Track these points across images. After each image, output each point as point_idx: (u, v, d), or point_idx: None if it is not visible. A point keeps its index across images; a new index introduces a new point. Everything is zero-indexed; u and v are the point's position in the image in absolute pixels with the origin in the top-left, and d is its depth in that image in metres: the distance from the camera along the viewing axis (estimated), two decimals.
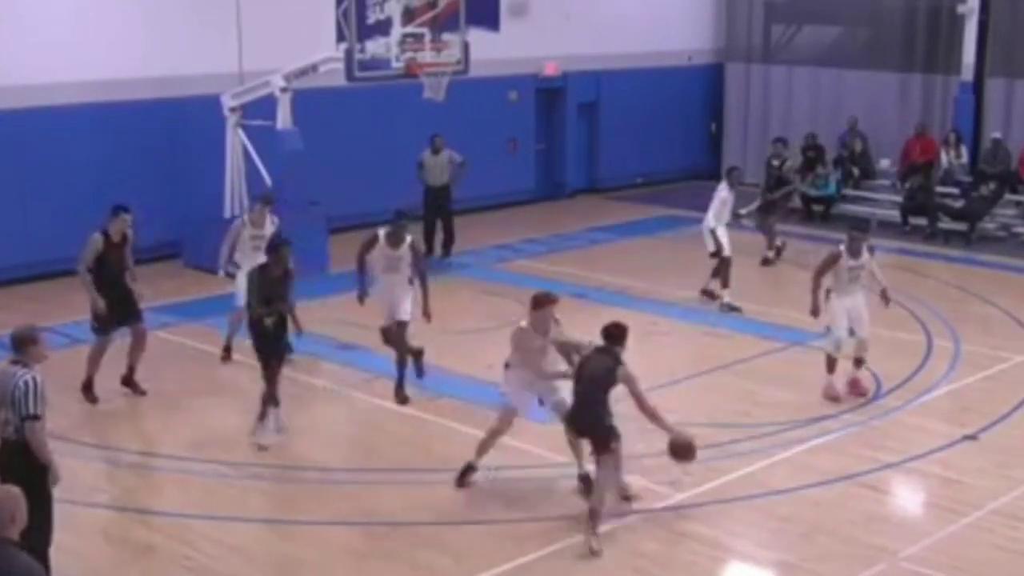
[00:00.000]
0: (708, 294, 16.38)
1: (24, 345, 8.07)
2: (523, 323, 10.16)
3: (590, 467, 9.96)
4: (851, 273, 12.49)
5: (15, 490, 5.98)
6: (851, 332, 12.63)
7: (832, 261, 12.49)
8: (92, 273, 12.25)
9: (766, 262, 18.74)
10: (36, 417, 7.89)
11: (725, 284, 16.12)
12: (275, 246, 11.45)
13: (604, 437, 9.46)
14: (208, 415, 12.24)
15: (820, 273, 12.58)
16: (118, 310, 12.34)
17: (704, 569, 9.16)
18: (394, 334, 12.42)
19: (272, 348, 11.36)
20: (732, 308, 15.89)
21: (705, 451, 11.08)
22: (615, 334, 9.62)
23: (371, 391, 12.82)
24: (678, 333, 15.27)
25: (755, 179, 24.23)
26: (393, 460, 11.11)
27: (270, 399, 11.34)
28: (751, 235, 21.31)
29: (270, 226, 13.42)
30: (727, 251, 16.09)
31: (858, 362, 12.75)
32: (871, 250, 12.80)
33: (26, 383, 7.88)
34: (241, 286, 12.61)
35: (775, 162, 20.07)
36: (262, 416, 11.33)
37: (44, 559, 7.73)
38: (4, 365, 8.14)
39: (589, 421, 9.57)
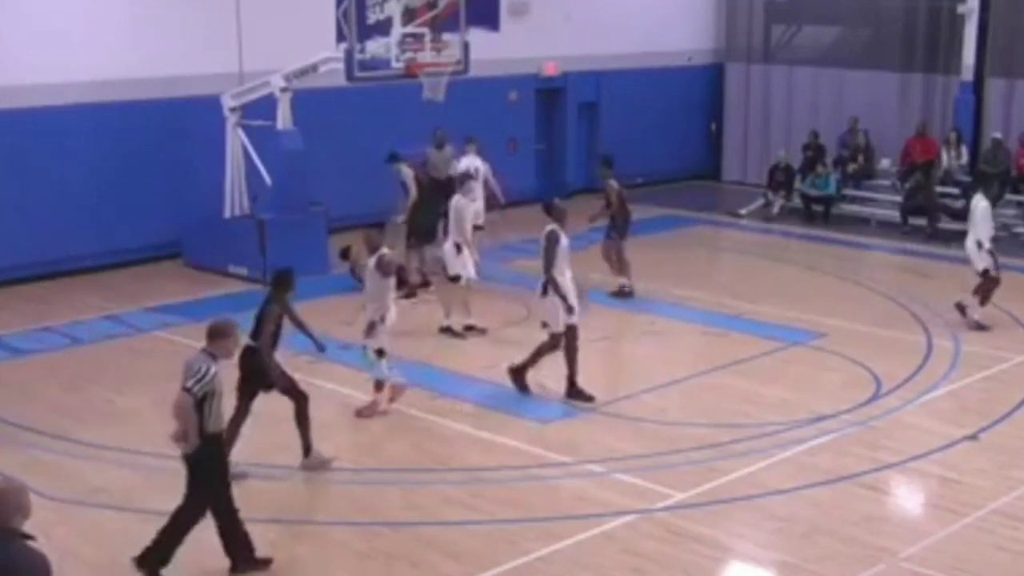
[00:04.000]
0: (960, 308, 15.28)
1: (213, 338, 8.58)
2: None
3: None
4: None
5: (19, 481, 5.95)
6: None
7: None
8: None
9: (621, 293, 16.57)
10: (188, 391, 8.40)
11: (983, 302, 15.17)
12: None
13: None
14: None
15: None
16: None
17: (704, 569, 9.16)
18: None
19: None
20: (980, 327, 14.93)
21: (705, 451, 11.12)
22: None
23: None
24: (678, 333, 15.27)
25: (757, 179, 24.38)
26: (393, 460, 11.12)
27: None
28: (752, 235, 21.39)
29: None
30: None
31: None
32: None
33: (199, 368, 8.44)
34: None
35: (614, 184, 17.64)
36: None
37: (186, 525, 8.60)
38: (196, 351, 8.68)
39: None
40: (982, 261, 15.07)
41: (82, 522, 9.62)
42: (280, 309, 10.67)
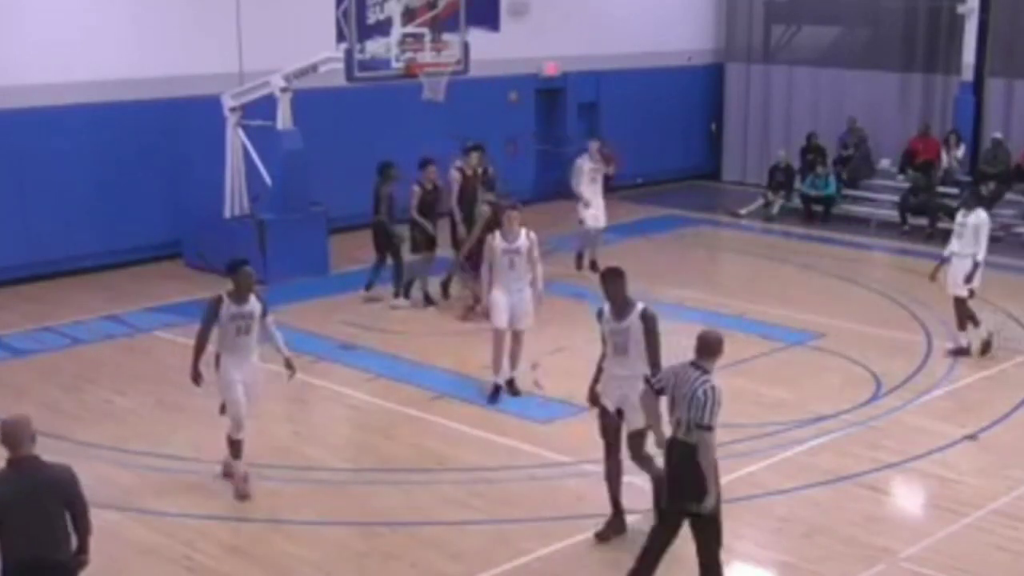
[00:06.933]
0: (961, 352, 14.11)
1: (712, 352, 8.22)
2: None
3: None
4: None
5: (24, 414, 6.80)
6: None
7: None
8: None
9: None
10: (709, 428, 7.99)
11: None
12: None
13: None
14: (208, 415, 12.21)
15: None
16: None
17: None
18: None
19: None
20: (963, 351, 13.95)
21: None
22: None
23: (371, 391, 12.82)
24: (677, 333, 15.21)
25: (757, 180, 24.38)
26: (393, 460, 11.11)
27: None
28: (752, 235, 21.41)
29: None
30: None
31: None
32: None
33: (706, 392, 7.98)
34: None
35: (473, 170, 16.05)
36: None
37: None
38: (682, 365, 8.32)
39: None
40: (978, 280, 14.01)
41: None
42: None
